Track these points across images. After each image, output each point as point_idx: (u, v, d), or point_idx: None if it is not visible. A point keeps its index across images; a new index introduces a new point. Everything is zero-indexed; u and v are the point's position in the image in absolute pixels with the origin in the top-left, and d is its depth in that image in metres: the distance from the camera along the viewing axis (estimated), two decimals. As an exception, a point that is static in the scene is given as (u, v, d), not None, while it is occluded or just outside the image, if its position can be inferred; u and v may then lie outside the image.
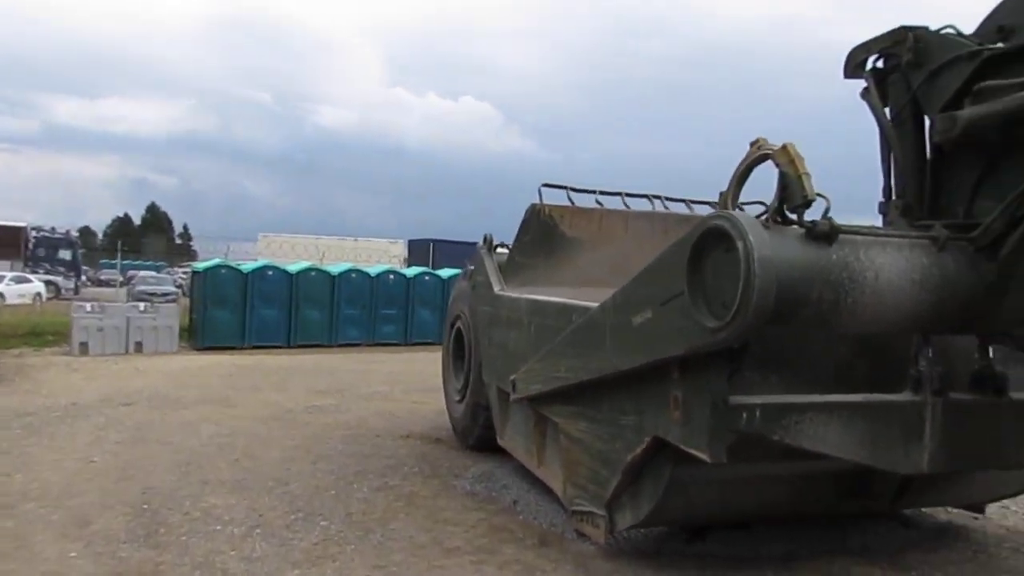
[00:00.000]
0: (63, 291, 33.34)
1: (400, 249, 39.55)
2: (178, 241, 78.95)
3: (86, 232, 68.76)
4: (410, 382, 12.13)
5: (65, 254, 38.00)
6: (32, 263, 35.60)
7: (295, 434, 8.05)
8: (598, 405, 4.52)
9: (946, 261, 3.52)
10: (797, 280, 3.20)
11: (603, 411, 4.46)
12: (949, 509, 5.57)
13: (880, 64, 4.24)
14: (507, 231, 7.33)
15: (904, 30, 4.06)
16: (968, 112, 3.61)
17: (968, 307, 3.56)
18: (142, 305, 17.08)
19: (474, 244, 7.75)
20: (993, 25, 3.85)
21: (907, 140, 4.09)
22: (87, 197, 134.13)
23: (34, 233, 37.61)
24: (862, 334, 3.99)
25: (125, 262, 38.26)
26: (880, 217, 4.19)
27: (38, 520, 5.14)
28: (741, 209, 4.35)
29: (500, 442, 6.55)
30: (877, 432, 3.72)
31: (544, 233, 6.92)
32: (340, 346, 18.24)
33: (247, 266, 18.81)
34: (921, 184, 4.03)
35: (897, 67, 4.12)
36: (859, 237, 3.42)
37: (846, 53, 4.43)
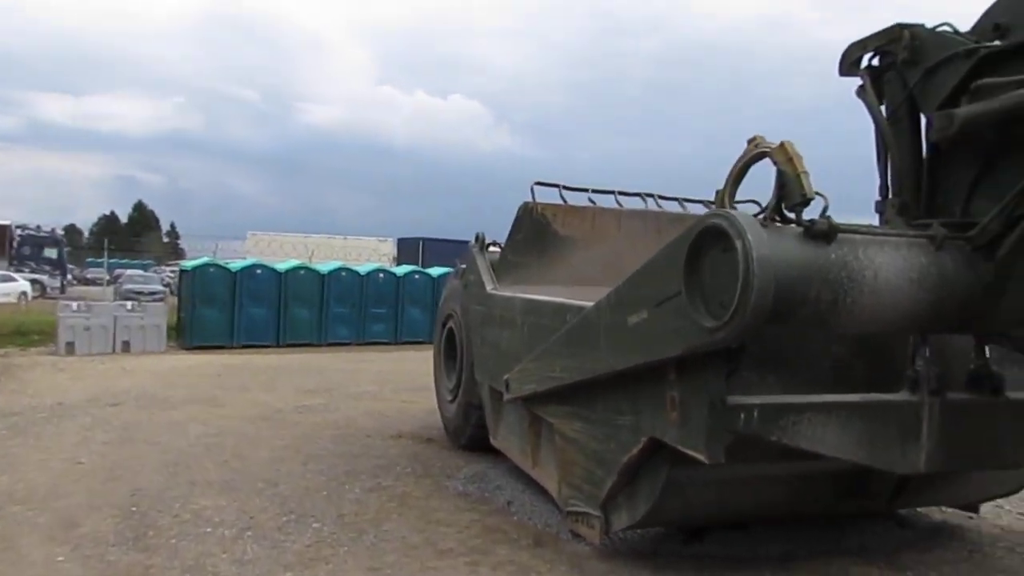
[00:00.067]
0: (49, 290, 33.02)
1: (390, 247, 39.45)
2: (165, 240, 78.44)
3: (72, 230, 68.24)
4: (400, 381, 12.07)
5: (51, 252, 37.61)
6: (17, 262, 35.19)
7: (284, 434, 7.98)
8: (593, 405, 4.48)
9: (944, 260, 3.51)
10: (796, 279, 3.17)
11: (598, 411, 4.43)
12: (944, 509, 5.56)
13: (876, 62, 4.22)
14: (497, 229, 7.30)
15: (900, 28, 4.04)
16: (965, 110, 3.59)
17: (966, 307, 3.54)
18: (129, 304, 16.96)
19: (464, 243, 7.71)
20: (989, 23, 3.83)
21: (903, 138, 4.07)
22: (73, 195, 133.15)
23: (19, 231, 37.19)
24: (859, 334, 3.97)
25: (112, 261, 38.00)
26: (877, 216, 4.17)
27: (24, 522, 5.06)
28: (734, 207, 4.32)
29: (493, 442, 6.51)
30: (875, 432, 3.70)
31: (537, 231, 6.87)
32: (329, 345, 18.16)
33: (235, 265, 18.70)
34: (918, 183, 4.01)
35: (893, 65, 4.10)
36: (857, 236, 3.39)
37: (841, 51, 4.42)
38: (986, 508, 5.48)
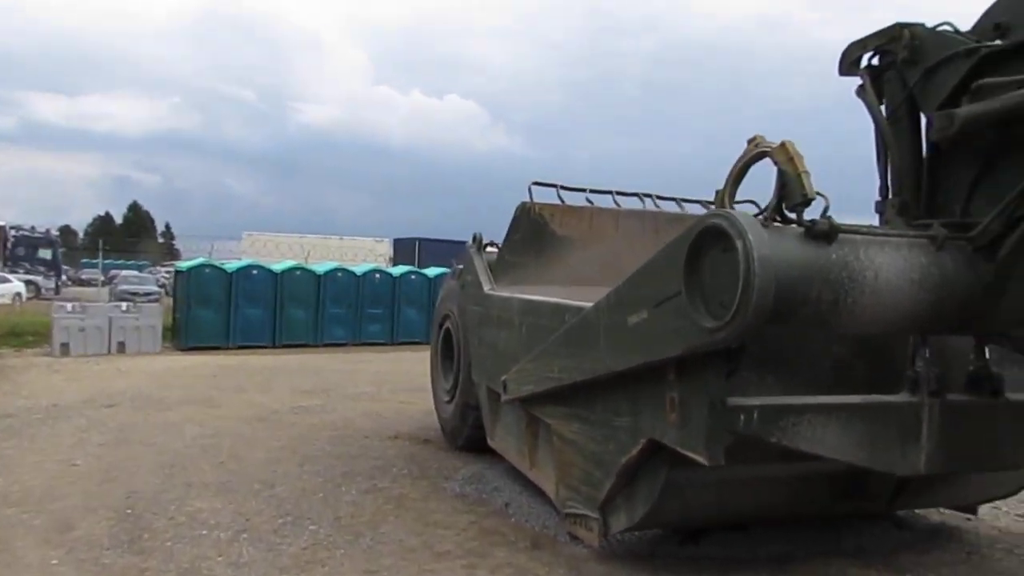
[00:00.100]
0: (43, 291, 32.87)
1: (386, 248, 39.43)
2: (161, 240, 78.24)
3: (67, 231, 68.02)
4: (397, 382, 12.04)
5: (45, 253, 37.51)
6: (11, 263, 35.09)
7: (281, 435, 7.95)
8: (592, 406, 4.45)
9: (945, 261, 3.49)
10: (796, 279, 3.15)
11: (597, 412, 4.40)
12: (942, 510, 5.55)
13: (875, 61, 4.20)
14: (494, 229, 7.28)
15: (900, 27, 4.02)
16: (966, 110, 3.57)
17: (966, 307, 3.52)
18: (124, 305, 16.90)
19: (460, 243, 7.69)
20: (989, 22, 3.81)
21: (903, 138, 4.05)
22: (68, 195, 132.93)
23: (13, 232, 37.09)
24: (859, 334, 3.95)
25: (107, 261, 37.88)
26: (876, 216, 4.16)
27: (19, 525, 5.02)
28: (733, 208, 4.30)
29: (490, 443, 6.49)
30: (875, 434, 3.68)
31: (534, 232, 6.85)
32: (326, 346, 18.13)
33: (231, 265, 18.67)
34: (917, 182, 3.99)
35: (893, 64, 4.07)
36: (858, 236, 3.37)
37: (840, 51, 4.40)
38: (983, 510, 5.48)
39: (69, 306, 15.85)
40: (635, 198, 7.39)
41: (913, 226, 3.78)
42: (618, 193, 7.31)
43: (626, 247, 6.44)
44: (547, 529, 5.16)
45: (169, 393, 10.44)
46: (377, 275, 19.89)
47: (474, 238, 7.25)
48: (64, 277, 39.73)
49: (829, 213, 3.28)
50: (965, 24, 3.93)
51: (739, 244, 3.06)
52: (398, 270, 21.29)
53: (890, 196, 4.09)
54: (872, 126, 4.17)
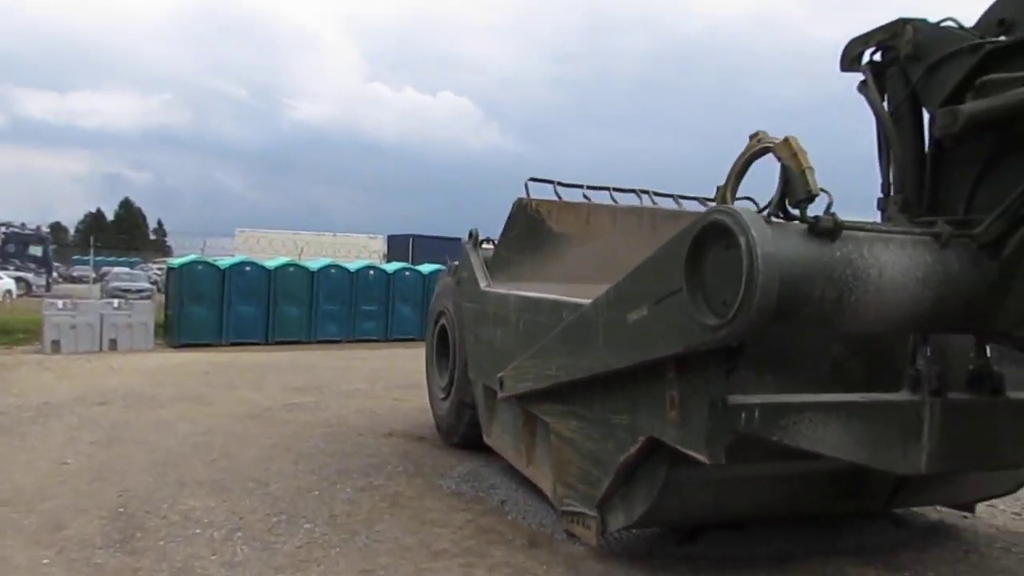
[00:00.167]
0: (34, 288, 32.64)
1: (379, 244, 39.36)
2: (153, 237, 77.92)
3: (58, 228, 67.78)
4: (391, 379, 11.99)
5: (36, 250, 37.24)
6: (2, 260, 34.85)
7: (274, 433, 7.89)
8: (590, 404, 4.42)
9: (949, 258, 3.45)
10: (800, 277, 3.11)
11: (595, 410, 4.37)
12: (940, 508, 5.54)
13: (878, 57, 4.17)
14: (488, 226, 7.24)
15: (902, 22, 3.99)
16: (970, 107, 3.53)
17: (970, 305, 3.49)
18: (116, 302, 16.78)
19: (455, 239, 7.65)
20: (993, 18, 3.79)
21: (906, 135, 4.02)
22: (58, 192, 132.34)
23: (3, 229, 36.79)
24: (860, 333, 3.92)
25: (98, 258, 37.69)
26: (878, 214, 4.13)
27: (9, 525, 4.95)
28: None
29: (487, 440, 6.45)
30: (876, 432, 3.65)
31: (531, 228, 6.81)
32: (319, 342, 18.05)
33: (224, 262, 18.54)
34: (920, 179, 3.96)
35: (895, 60, 4.05)
36: (862, 233, 3.33)
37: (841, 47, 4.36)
38: (981, 508, 5.48)
39: (60, 303, 15.71)
40: (632, 194, 7.36)
41: (916, 223, 3.75)
42: (615, 189, 7.28)
43: (623, 243, 6.41)
44: (544, 527, 5.12)
45: (161, 391, 10.36)
46: (371, 272, 19.81)
47: (470, 234, 7.19)
48: (55, 274, 39.47)
49: (833, 210, 3.24)
50: (965, 22, 3.90)
51: (742, 241, 3.01)
52: (392, 266, 21.21)
53: (892, 193, 4.06)
54: (873, 122, 4.14)
